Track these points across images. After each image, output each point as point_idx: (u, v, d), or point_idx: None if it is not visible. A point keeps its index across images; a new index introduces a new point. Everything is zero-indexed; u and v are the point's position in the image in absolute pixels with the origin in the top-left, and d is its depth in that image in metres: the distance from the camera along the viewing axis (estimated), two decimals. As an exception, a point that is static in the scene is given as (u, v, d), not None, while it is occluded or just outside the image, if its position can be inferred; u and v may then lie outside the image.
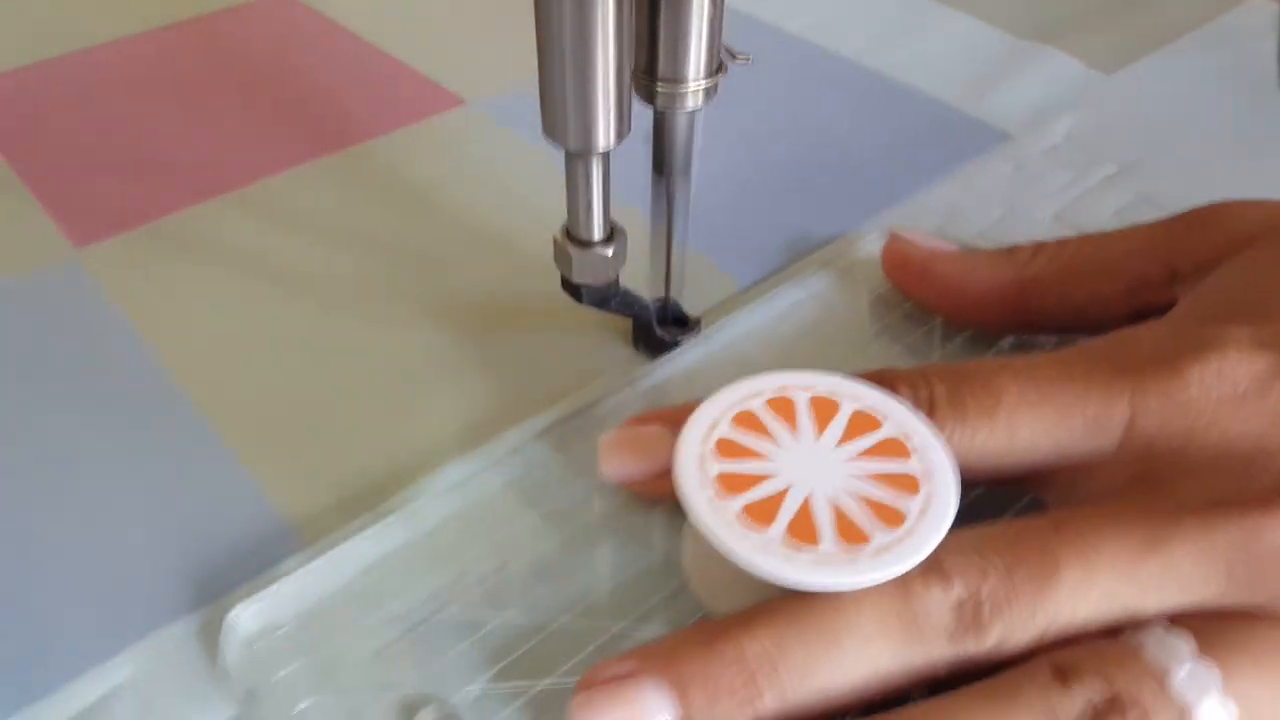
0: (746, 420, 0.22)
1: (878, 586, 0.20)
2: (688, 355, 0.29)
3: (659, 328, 0.29)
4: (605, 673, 0.20)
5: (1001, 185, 0.36)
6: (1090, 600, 0.20)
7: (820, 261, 0.33)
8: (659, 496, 0.25)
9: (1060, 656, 0.20)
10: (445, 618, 0.23)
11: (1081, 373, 0.23)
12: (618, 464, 0.25)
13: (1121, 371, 0.23)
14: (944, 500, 0.21)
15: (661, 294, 0.29)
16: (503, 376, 0.29)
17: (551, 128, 0.23)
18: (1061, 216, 0.35)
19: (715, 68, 0.25)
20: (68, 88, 0.42)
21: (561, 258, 0.26)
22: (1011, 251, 0.29)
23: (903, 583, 0.20)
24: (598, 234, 0.26)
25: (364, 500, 0.26)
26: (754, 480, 0.21)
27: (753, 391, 0.23)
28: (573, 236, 0.26)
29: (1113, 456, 0.23)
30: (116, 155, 0.39)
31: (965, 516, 0.21)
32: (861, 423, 0.22)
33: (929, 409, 0.23)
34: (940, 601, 0.20)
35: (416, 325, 0.31)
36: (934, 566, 0.20)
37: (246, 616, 0.22)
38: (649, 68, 0.25)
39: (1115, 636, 0.20)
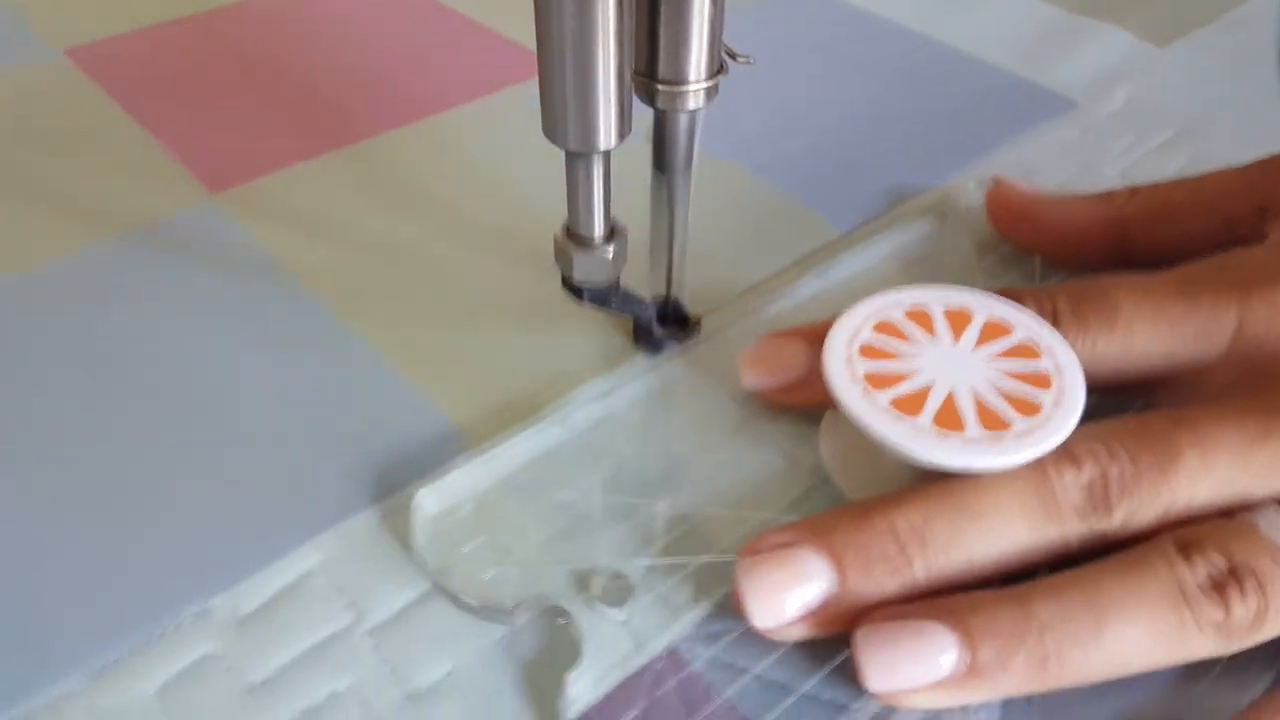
0: (887, 328, 0.25)
1: (1016, 470, 0.22)
2: (803, 290, 0.32)
3: (659, 328, 0.29)
4: (768, 542, 0.23)
5: (1071, 147, 0.39)
6: (1207, 485, 0.23)
7: (920, 209, 0.35)
8: (792, 406, 0.28)
9: (1183, 533, 0.22)
10: (605, 505, 0.26)
11: (1192, 286, 0.26)
12: (756, 375, 0.28)
13: (1228, 285, 0.25)
14: (1074, 393, 0.23)
15: (662, 293, 0.29)
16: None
17: (552, 128, 0.24)
18: (1127, 174, 0.38)
19: (716, 68, 0.25)
20: (196, 43, 0.46)
21: (562, 257, 0.26)
22: (1108, 194, 0.32)
23: (1038, 466, 0.23)
24: (598, 234, 0.26)
25: (517, 409, 0.28)
26: (899, 378, 0.24)
27: (891, 303, 0.26)
28: (573, 236, 0.26)
29: (1221, 361, 0.25)
30: (243, 106, 0.42)
31: (1084, 421, 0.23)
32: (993, 329, 0.25)
33: (1053, 320, 0.26)
34: (1072, 483, 0.22)
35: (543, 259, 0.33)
36: (1066, 453, 0.23)
37: (429, 500, 0.25)
38: (649, 69, 0.25)
39: (1230, 517, 0.23)
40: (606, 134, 0.24)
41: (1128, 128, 0.41)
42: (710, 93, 0.25)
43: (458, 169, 0.38)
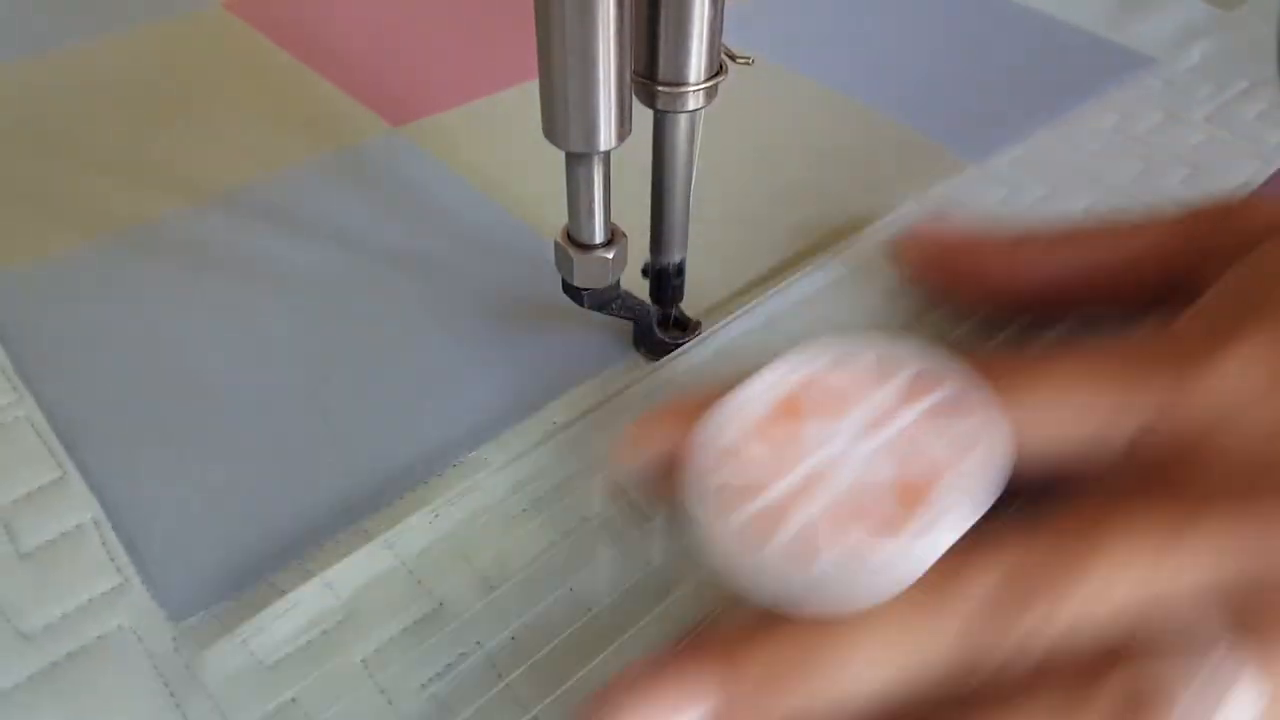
0: (762, 425, 0.22)
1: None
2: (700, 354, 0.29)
3: (660, 330, 0.29)
4: (637, 670, 0.20)
5: (1156, 95, 0.43)
6: (1120, 587, 0.20)
7: (837, 253, 0.32)
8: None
9: (1092, 643, 0.20)
10: (444, 635, 0.23)
11: (1102, 368, 0.23)
12: (634, 456, 0.24)
13: (1142, 368, 0.23)
14: (971, 491, 0.20)
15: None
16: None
17: (552, 129, 0.24)
18: (1211, 119, 0.41)
19: (716, 69, 0.25)
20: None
21: (563, 261, 0.26)
22: (1027, 238, 0.29)
23: (920, 585, 0.20)
24: (599, 237, 0.26)
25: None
26: (759, 489, 0.20)
27: (766, 386, 0.22)
28: (574, 240, 0.26)
29: (1133, 450, 0.23)
30: (411, 46, 0.45)
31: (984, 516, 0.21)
32: (890, 410, 0.22)
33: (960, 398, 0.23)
34: (967, 592, 0.20)
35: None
36: (962, 554, 0.20)
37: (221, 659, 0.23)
38: (649, 70, 0.25)
39: (1147, 621, 0.20)
40: (607, 135, 0.23)
41: (1207, 79, 0.44)
42: (710, 94, 0.25)
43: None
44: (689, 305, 0.30)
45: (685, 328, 0.30)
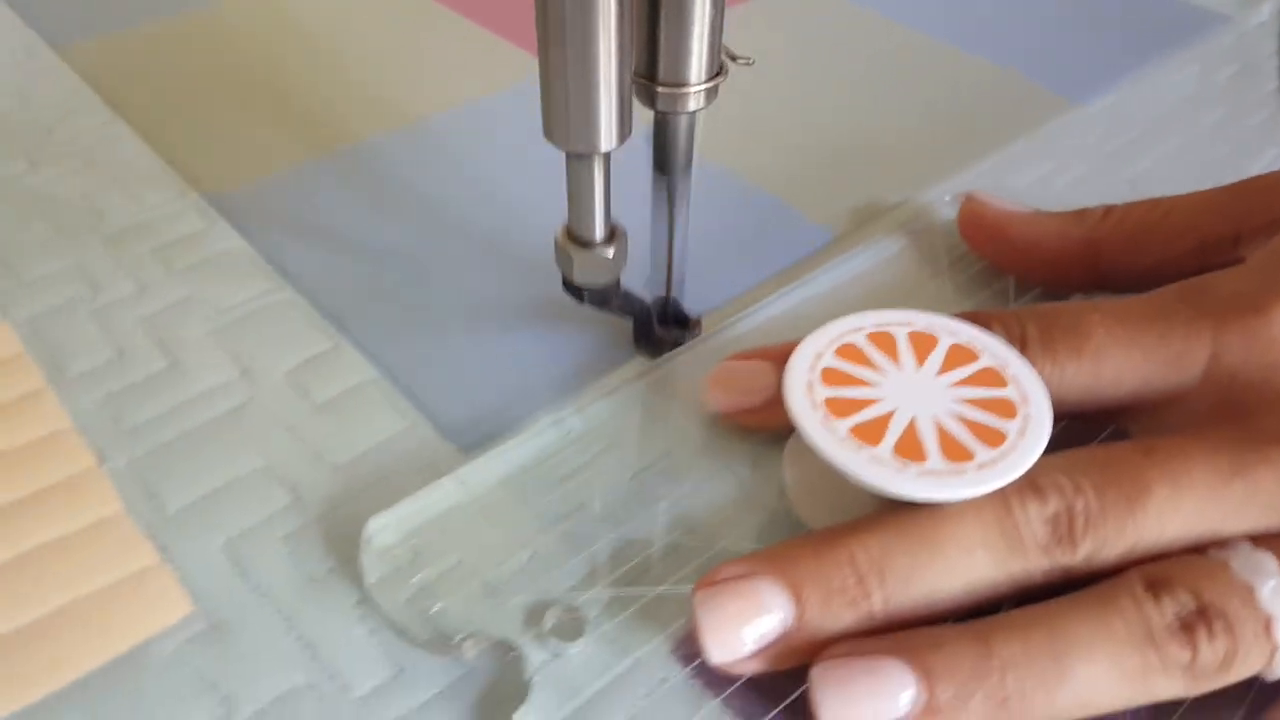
0: (849, 352, 0.24)
1: (978, 501, 0.22)
2: (777, 305, 0.31)
3: (659, 328, 0.29)
4: (725, 573, 0.22)
5: (1232, 49, 0.46)
6: (1178, 520, 0.22)
7: (893, 223, 0.35)
8: (758, 428, 0.27)
9: (1151, 569, 0.21)
10: (564, 532, 0.25)
11: (1165, 312, 0.25)
12: (721, 397, 0.27)
13: (1203, 311, 0.24)
14: (1040, 422, 0.23)
15: (662, 294, 0.29)
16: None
17: (552, 130, 0.24)
18: None
19: (716, 70, 0.25)
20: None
21: (563, 259, 0.27)
22: (1082, 213, 0.31)
23: (1001, 497, 0.22)
24: (599, 235, 0.26)
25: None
26: (860, 404, 0.23)
27: (853, 326, 0.25)
28: (574, 237, 0.26)
29: (1196, 391, 0.24)
30: None
31: (1053, 446, 0.23)
32: (959, 355, 0.24)
33: (1021, 345, 0.25)
34: (1036, 515, 0.22)
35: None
36: (1030, 484, 0.22)
37: (383, 531, 0.25)
38: (649, 71, 0.25)
39: (1202, 554, 0.22)
40: (608, 135, 0.24)
41: (1276, 35, 0.46)
42: (710, 94, 0.25)
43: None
44: (694, 299, 0.30)
45: (685, 325, 0.30)
